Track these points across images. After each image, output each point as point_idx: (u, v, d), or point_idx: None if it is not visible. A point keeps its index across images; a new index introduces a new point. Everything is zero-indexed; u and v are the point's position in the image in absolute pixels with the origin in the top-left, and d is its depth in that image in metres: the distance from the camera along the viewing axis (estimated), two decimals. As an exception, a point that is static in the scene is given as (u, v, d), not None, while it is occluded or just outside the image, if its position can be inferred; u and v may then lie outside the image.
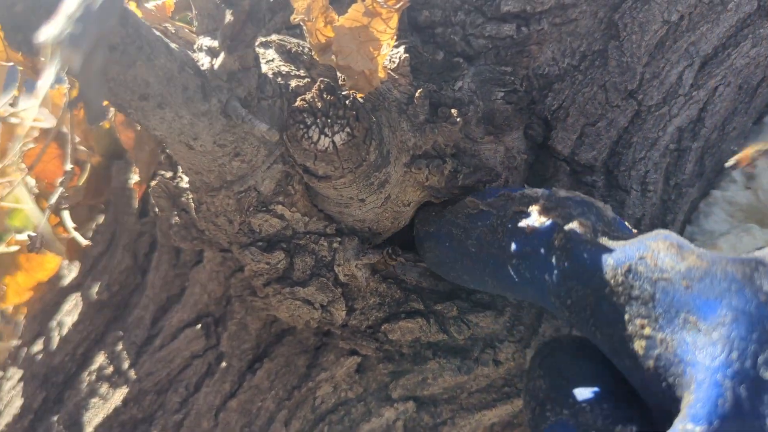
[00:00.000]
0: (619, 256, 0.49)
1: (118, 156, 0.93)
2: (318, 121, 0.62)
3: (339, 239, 0.69)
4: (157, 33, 0.55)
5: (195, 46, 0.61)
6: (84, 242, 0.81)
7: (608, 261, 0.50)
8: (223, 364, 0.78)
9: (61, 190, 0.77)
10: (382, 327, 0.71)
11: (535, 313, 0.73)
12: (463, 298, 0.72)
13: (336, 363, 0.76)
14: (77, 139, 0.82)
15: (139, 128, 0.83)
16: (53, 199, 0.77)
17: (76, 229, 0.83)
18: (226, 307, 0.80)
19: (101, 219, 0.93)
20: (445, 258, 0.66)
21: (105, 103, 0.64)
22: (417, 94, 0.66)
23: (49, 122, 0.89)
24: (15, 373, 0.97)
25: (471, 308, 0.71)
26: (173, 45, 0.57)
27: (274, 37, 0.70)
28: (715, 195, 0.86)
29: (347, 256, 0.68)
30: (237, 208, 0.65)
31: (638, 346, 0.46)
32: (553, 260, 0.54)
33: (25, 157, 0.87)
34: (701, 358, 0.42)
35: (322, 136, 0.61)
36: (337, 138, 0.61)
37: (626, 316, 0.47)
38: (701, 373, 0.41)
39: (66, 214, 0.82)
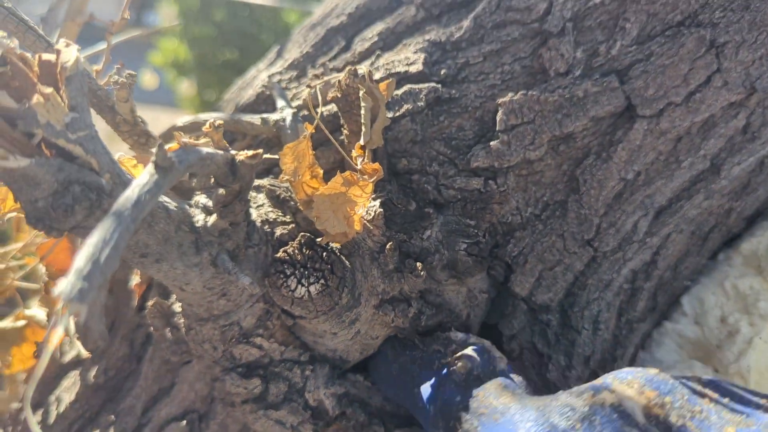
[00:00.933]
0: (464, 393, 0.65)
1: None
2: (296, 272, 0.70)
3: (311, 367, 0.77)
4: (162, 199, 0.63)
5: (192, 202, 0.70)
6: (85, 353, 0.88)
7: (456, 398, 0.65)
8: (203, 459, 0.86)
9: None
10: (347, 447, 0.78)
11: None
12: (420, 425, 0.79)
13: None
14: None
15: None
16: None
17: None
18: (210, 404, 0.88)
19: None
20: (380, 376, 0.78)
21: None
22: (388, 246, 0.74)
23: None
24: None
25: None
26: (173, 205, 0.65)
27: (264, 181, 0.78)
28: (667, 326, 0.94)
29: (317, 383, 0.76)
30: (221, 338, 0.74)
31: None
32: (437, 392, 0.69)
33: (38, 250, 0.96)
34: None
35: (299, 286, 0.70)
36: (312, 288, 0.70)
37: None
38: None
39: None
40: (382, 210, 0.75)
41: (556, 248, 0.83)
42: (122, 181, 0.59)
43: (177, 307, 0.79)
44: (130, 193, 0.48)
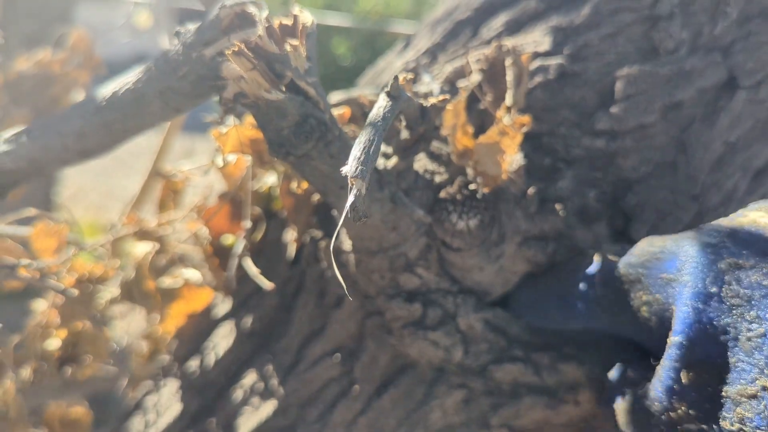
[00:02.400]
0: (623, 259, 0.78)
1: (270, 216, 1.16)
2: (456, 208, 0.84)
3: (461, 296, 0.90)
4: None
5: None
6: (268, 285, 1.02)
7: (613, 269, 0.78)
8: (356, 387, 0.99)
9: (245, 242, 1.00)
10: (489, 368, 0.91)
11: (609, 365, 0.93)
12: (555, 349, 0.91)
13: (447, 393, 0.96)
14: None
15: (297, 196, 1.06)
16: (239, 249, 1.00)
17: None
18: (359, 342, 1.02)
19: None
20: (523, 303, 0.92)
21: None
22: (529, 191, 0.88)
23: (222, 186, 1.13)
24: (172, 383, 1.20)
25: (560, 358, 0.91)
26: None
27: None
28: None
29: (467, 310, 0.89)
30: (389, 267, 0.87)
31: (644, 311, 0.71)
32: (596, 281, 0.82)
33: (203, 213, 1.12)
34: (678, 297, 0.65)
35: (460, 220, 0.83)
36: (471, 222, 0.83)
37: (631, 295, 0.73)
38: (679, 304, 0.64)
39: (249, 261, 1.05)
40: (524, 162, 0.89)
41: (668, 202, 0.95)
42: (334, 119, 0.74)
43: (345, 246, 0.93)
44: (376, 112, 0.62)
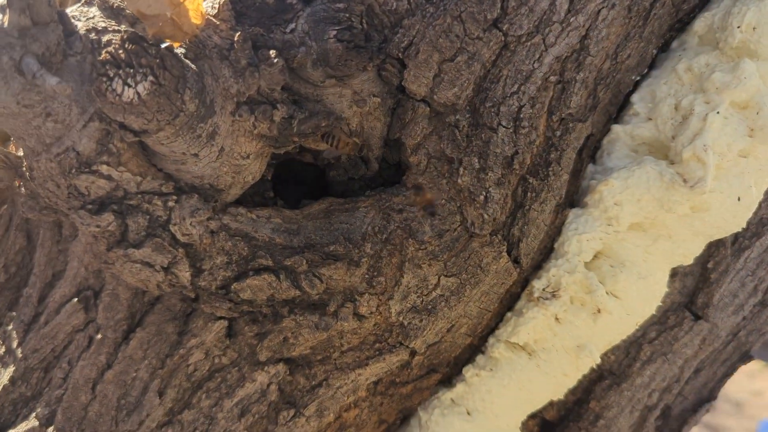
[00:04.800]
0: None
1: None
2: (121, 72, 0.59)
3: (175, 197, 0.67)
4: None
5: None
6: None
7: None
8: (98, 336, 0.77)
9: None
10: (233, 286, 0.68)
11: (396, 263, 0.69)
12: (315, 252, 0.68)
13: (204, 328, 0.73)
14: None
15: None
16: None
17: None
18: (102, 278, 0.79)
19: (4, 205, 0.93)
20: None
21: None
22: (236, 38, 0.63)
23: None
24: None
25: (322, 261, 0.68)
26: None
27: (97, -7, 0.68)
28: (616, 130, 0.80)
29: (183, 214, 0.66)
30: (60, 170, 0.64)
31: None
32: None
33: None
34: None
35: (126, 87, 0.59)
36: (140, 87, 0.59)
37: None
38: None
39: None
40: (227, 0, 0.64)
41: (454, 33, 0.70)
42: None
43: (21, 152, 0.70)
44: None
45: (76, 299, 0.78)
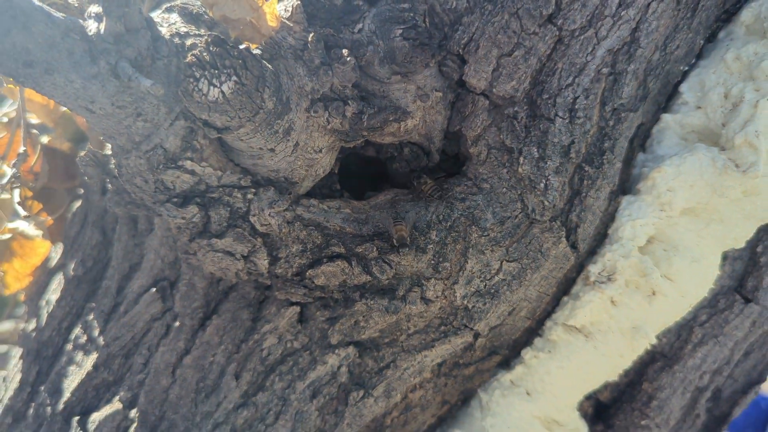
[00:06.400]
0: None
1: (86, 139, 0.98)
2: (206, 73, 0.64)
3: (254, 190, 0.71)
4: (36, 2, 0.58)
5: (85, 14, 0.64)
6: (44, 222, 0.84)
7: None
8: (177, 323, 0.81)
9: (14, 170, 0.82)
10: (307, 273, 0.72)
11: (460, 249, 0.73)
12: (384, 240, 0.72)
13: (278, 314, 0.78)
14: (32, 122, 0.87)
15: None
16: (4, 180, 0.82)
17: (30, 210, 0.88)
18: (178, 269, 0.83)
19: (79, 202, 0.99)
20: None
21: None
22: (310, 39, 0.67)
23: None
24: (17, 351, 1.04)
25: (392, 248, 0.72)
26: (57, 13, 0.60)
27: (178, 0, 0.72)
28: (666, 119, 0.83)
29: (261, 205, 0.70)
30: (148, 167, 0.68)
31: None
32: None
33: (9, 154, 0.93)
34: None
35: (211, 87, 0.63)
36: (225, 87, 0.63)
37: None
38: None
39: (16, 193, 0.87)
40: (299, 2, 0.68)
41: (511, 29, 0.73)
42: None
43: (109, 150, 0.75)
44: None
45: (153, 289, 0.83)
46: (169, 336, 0.82)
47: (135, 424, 0.80)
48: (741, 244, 0.82)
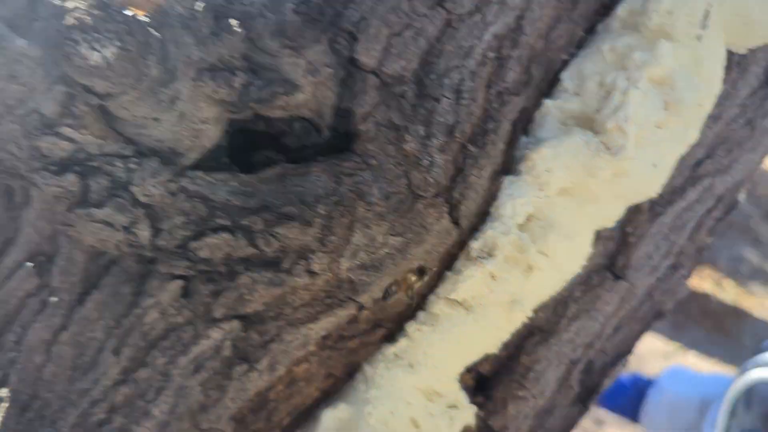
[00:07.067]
0: None
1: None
2: (87, 36, 0.62)
3: (137, 160, 0.69)
4: None
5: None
6: None
7: None
8: (53, 298, 0.78)
9: None
10: (191, 245, 0.71)
11: (346, 223, 0.74)
12: (271, 212, 0.72)
13: (160, 288, 0.76)
14: None
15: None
16: None
17: None
18: (56, 243, 0.80)
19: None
20: None
21: None
22: (199, 7, 0.66)
23: None
24: None
25: (277, 221, 0.72)
26: None
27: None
28: (547, 104, 0.87)
29: (143, 175, 0.69)
30: (22, 131, 0.65)
31: None
32: None
33: None
34: None
35: (93, 52, 0.61)
36: (107, 52, 0.61)
37: None
38: None
39: None
40: (187, -32, 0.66)
41: (402, 10, 0.75)
42: None
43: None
44: None
45: (29, 264, 0.80)
46: (45, 312, 0.79)
47: (4, 404, 0.77)
48: (611, 223, 0.87)
